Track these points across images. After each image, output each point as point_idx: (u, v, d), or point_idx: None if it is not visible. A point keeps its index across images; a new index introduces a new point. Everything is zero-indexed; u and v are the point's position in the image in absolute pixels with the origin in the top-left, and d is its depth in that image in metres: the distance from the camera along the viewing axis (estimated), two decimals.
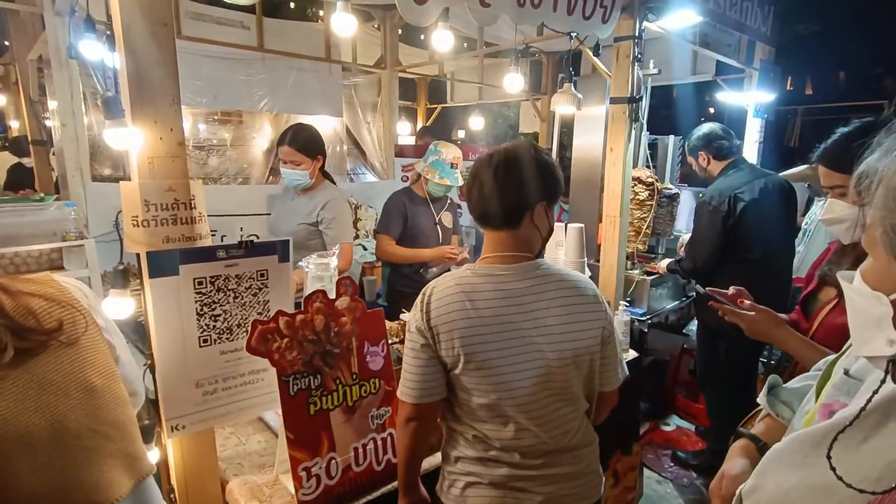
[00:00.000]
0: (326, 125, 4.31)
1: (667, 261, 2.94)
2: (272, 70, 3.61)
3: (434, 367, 1.15)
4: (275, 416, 1.61)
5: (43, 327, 0.79)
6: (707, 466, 2.91)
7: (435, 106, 6.69)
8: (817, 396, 0.81)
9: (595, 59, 2.75)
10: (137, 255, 1.17)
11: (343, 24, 1.75)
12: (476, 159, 1.25)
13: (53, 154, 3.61)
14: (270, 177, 4.18)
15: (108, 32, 1.07)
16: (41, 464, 0.75)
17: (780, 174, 2.85)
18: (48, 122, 3.93)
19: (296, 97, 3.84)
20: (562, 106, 2.41)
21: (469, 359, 1.12)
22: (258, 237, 3.02)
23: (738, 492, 0.78)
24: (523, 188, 1.16)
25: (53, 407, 0.79)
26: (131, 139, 1.10)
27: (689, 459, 2.97)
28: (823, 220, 1.32)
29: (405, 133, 6.06)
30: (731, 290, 1.40)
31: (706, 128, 2.78)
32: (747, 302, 1.38)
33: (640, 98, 2.51)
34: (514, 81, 2.41)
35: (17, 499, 0.72)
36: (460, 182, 2.61)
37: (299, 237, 2.23)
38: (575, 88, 2.59)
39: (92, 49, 1.93)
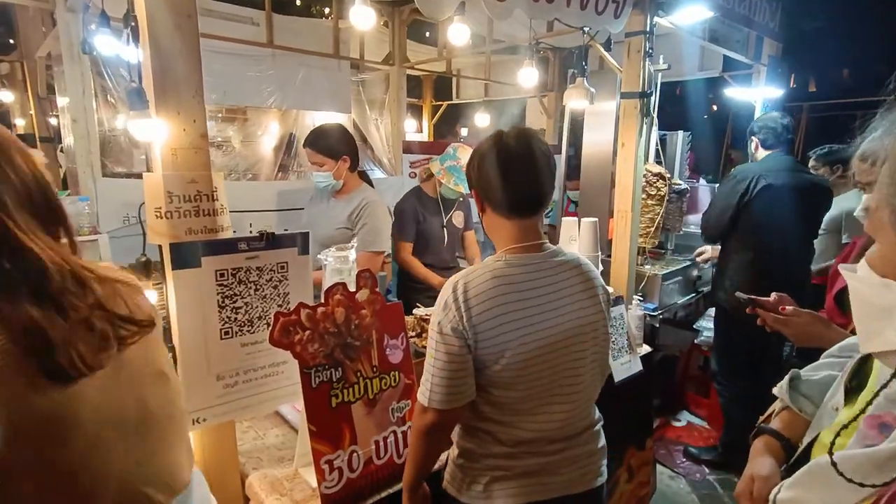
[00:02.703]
0: (335, 122, 4.30)
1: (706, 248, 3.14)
2: (281, 66, 3.60)
3: (469, 369, 1.10)
4: (292, 410, 1.61)
5: (135, 317, 0.80)
6: (719, 461, 2.90)
7: (441, 103, 6.69)
8: (847, 394, 0.78)
9: (606, 54, 2.74)
10: (160, 246, 1.17)
11: (362, 18, 1.74)
12: (489, 144, 1.16)
13: (61, 151, 3.62)
14: (280, 173, 4.17)
15: (133, 24, 1.07)
16: (131, 444, 0.78)
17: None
18: (54, 120, 3.95)
19: (304, 93, 3.83)
20: (575, 101, 2.40)
21: (517, 354, 1.09)
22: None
23: (771, 498, 0.74)
24: (552, 171, 1.16)
25: (139, 392, 0.81)
26: (155, 130, 1.10)
27: (701, 455, 2.97)
28: (860, 214, 1.30)
29: (411, 130, 6.06)
30: (773, 296, 1.33)
31: (769, 115, 2.84)
32: (789, 307, 1.31)
33: (651, 93, 2.50)
34: (528, 76, 2.40)
35: (112, 475, 0.75)
36: None
37: (337, 241, 2.18)
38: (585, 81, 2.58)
39: (107, 44, 1.94)
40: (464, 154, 2.47)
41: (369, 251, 2.19)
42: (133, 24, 1.08)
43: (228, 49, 3.27)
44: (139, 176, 3.50)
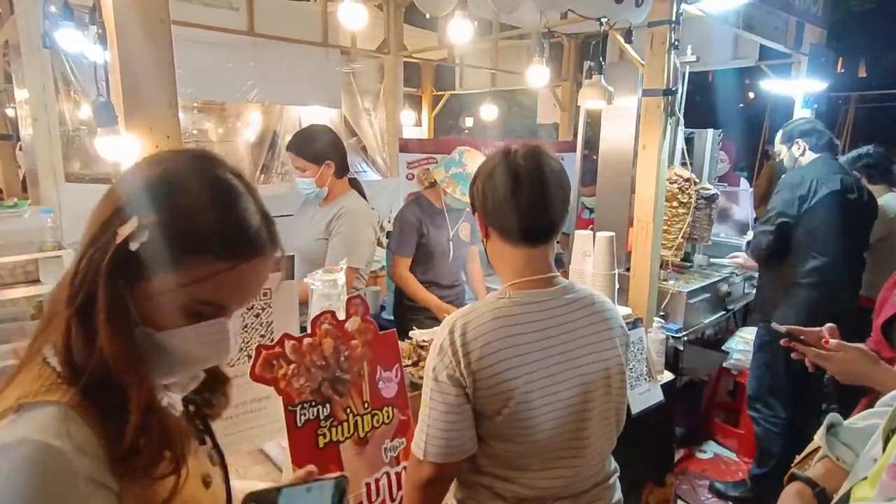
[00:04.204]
0: (323, 117, 4.34)
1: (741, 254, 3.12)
2: (263, 56, 3.64)
3: (468, 420, 1.11)
4: (275, 446, 1.64)
5: None
6: (748, 497, 2.92)
7: (442, 93, 6.72)
8: (885, 443, 0.81)
9: (626, 45, 2.77)
10: None
11: (353, 15, 1.78)
12: (495, 162, 1.17)
13: (20, 150, 3.66)
14: (262, 175, 4.21)
15: (99, 31, 1.10)
16: None
17: None
18: (10, 112, 3.99)
19: (289, 86, 3.87)
20: (590, 101, 2.43)
21: (520, 404, 1.09)
22: None
23: None
24: (565, 194, 1.17)
25: None
26: (125, 147, 1.13)
27: (729, 490, 2.99)
28: None
29: (409, 123, 6.08)
30: (827, 328, 1.31)
31: (807, 119, 3.01)
32: (833, 341, 1.29)
33: (677, 90, 2.52)
34: (538, 73, 2.43)
35: None
36: None
37: (316, 254, 2.19)
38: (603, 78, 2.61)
39: (70, 38, 1.97)
40: (471, 160, 2.46)
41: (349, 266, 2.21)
42: (100, 30, 1.11)
43: (205, 38, 3.31)
44: (106, 180, 3.55)
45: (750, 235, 3.20)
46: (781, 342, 1.35)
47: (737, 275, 3.43)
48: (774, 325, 1.36)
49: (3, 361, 1.83)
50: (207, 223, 0.67)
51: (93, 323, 0.64)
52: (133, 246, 0.64)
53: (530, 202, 1.12)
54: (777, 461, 2.76)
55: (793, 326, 1.35)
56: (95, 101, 1.09)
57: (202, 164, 0.71)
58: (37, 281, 1.97)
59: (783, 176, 2.94)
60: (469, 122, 7.75)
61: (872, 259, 2.94)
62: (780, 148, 2.97)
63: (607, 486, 1.27)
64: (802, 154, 2.84)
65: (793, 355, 1.34)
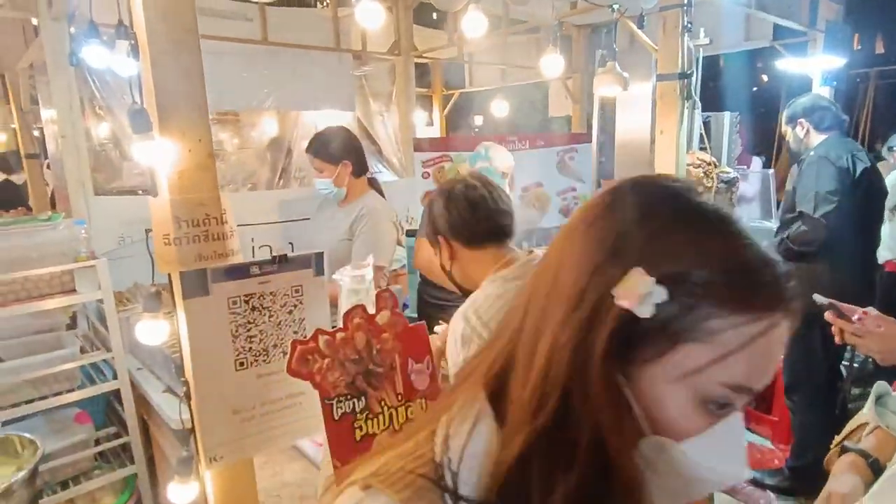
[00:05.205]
0: (337, 120, 4.39)
1: None
2: (277, 64, 3.71)
3: None
4: (311, 444, 1.67)
5: None
6: (786, 487, 2.88)
7: (452, 92, 6.74)
8: None
9: (638, 31, 2.77)
10: (169, 275, 1.24)
11: (369, 14, 1.81)
12: (448, 187, 1.40)
13: (48, 167, 3.77)
14: (281, 181, 4.28)
15: (132, 42, 1.14)
16: None
17: None
18: (36, 133, 4.12)
19: (303, 92, 3.93)
20: (606, 87, 2.43)
21: None
22: (271, 248, 3.11)
23: None
24: (510, 203, 1.39)
25: None
26: (160, 153, 1.17)
27: (766, 479, 2.95)
28: None
29: (421, 123, 6.12)
30: (870, 311, 1.26)
31: (810, 95, 2.87)
32: (872, 313, 1.24)
33: (692, 73, 2.52)
34: (552, 63, 2.44)
35: None
36: (509, 192, 2.58)
37: (340, 255, 2.21)
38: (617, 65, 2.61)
39: (97, 55, 2.03)
40: (496, 154, 2.48)
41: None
42: (132, 41, 1.15)
43: (219, 49, 3.37)
44: (132, 192, 3.64)
45: (772, 223, 3.13)
46: (826, 315, 1.30)
47: None
48: (817, 296, 1.31)
49: (39, 371, 1.89)
50: (734, 264, 0.45)
51: (571, 441, 0.43)
52: (645, 312, 0.43)
53: (492, 204, 1.34)
54: (816, 451, 2.71)
55: (835, 301, 1.30)
56: (131, 108, 1.13)
57: (681, 192, 0.50)
58: (73, 291, 2.02)
59: (802, 158, 2.77)
60: (479, 120, 7.76)
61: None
62: (785, 129, 2.87)
63: None
64: (807, 135, 2.70)
65: (833, 329, 1.31)
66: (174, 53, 1.16)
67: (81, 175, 2.67)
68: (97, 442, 2.13)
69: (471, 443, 0.46)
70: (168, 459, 1.91)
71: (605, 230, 0.47)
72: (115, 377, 2.06)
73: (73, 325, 2.40)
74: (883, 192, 2.73)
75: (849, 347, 2.68)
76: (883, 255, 3.12)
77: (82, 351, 2.11)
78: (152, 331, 1.27)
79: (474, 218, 1.33)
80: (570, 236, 0.49)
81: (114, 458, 2.16)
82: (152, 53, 1.14)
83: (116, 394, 2.09)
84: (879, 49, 9.83)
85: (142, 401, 2.07)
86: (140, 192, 3.32)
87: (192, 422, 1.28)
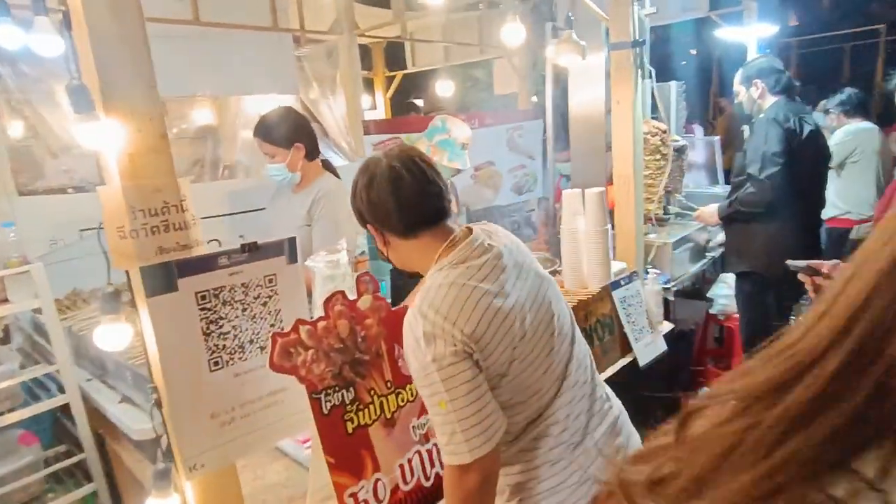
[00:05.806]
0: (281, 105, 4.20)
1: (711, 206, 3.00)
2: (211, 46, 3.48)
3: (489, 391, 1.12)
4: (292, 443, 1.58)
5: None
6: None
7: (394, 73, 6.60)
8: None
9: (588, 0, 2.75)
10: (127, 272, 1.12)
11: None
12: (369, 172, 1.20)
13: None
14: (226, 171, 4.05)
15: (63, 9, 1.00)
16: None
17: None
18: None
19: (240, 76, 3.72)
20: (565, 56, 2.40)
21: (522, 340, 1.16)
22: (220, 243, 2.93)
23: None
24: (441, 177, 1.23)
25: None
26: (106, 134, 1.04)
27: None
28: None
29: (365, 107, 5.96)
30: (831, 264, 1.29)
31: (766, 57, 2.98)
32: (840, 265, 1.29)
33: (644, 41, 2.53)
34: (513, 32, 2.37)
35: None
36: (469, 165, 2.53)
37: (301, 242, 2.12)
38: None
39: (9, 37, 1.81)
40: (454, 126, 2.42)
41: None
42: (63, 9, 1.01)
43: (149, 31, 3.13)
44: (61, 191, 3.35)
45: (720, 188, 3.26)
46: (799, 277, 1.33)
47: None
48: (790, 262, 1.34)
49: None
50: None
51: None
52: None
53: (420, 190, 1.17)
54: None
55: (812, 261, 1.33)
56: (70, 85, 0.99)
57: None
58: (5, 300, 1.82)
59: (753, 121, 2.93)
60: (422, 102, 7.65)
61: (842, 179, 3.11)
62: (738, 89, 2.95)
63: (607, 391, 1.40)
64: (761, 96, 2.82)
65: (807, 286, 1.34)
66: (116, 22, 1.02)
67: (2, 175, 2.42)
68: (47, 463, 1.96)
69: None
70: (132, 473, 1.77)
71: None
72: (61, 391, 1.89)
73: (6, 338, 2.18)
74: (828, 154, 2.87)
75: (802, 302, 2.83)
76: (827, 212, 3.29)
77: (21, 367, 1.91)
78: (114, 335, 1.14)
79: (401, 207, 1.17)
80: None
81: (68, 478, 1.99)
82: (90, 22, 1.00)
83: (64, 409, 1.92)
84: (793, 22, 10.37)
85: (95, 414, 1.90)
86: (70, 190, 3.05)
87: (166, 430, 1.17)
